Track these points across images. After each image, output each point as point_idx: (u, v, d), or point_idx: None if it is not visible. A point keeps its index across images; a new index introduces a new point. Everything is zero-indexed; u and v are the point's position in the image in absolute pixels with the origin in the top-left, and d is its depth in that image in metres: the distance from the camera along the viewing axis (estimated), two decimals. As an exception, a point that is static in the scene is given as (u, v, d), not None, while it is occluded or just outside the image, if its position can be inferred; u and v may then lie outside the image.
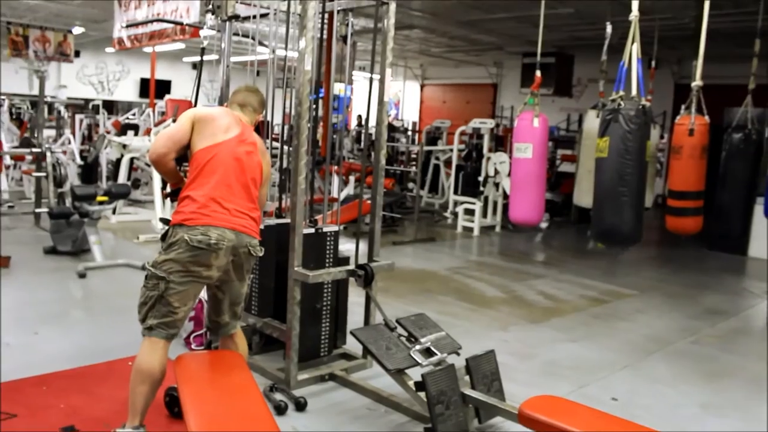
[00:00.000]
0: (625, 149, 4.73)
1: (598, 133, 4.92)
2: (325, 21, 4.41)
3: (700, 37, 5.03)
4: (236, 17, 4.24)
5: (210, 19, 4.17)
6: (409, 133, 16.92)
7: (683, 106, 5.42)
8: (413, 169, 12.66)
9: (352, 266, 3.99)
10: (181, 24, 7.67)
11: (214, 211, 2.91)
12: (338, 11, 4.22)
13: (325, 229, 4.17)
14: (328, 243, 4.20)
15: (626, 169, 4.75)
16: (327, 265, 4.17)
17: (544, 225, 11.02)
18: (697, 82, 5.15)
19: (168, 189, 3.29)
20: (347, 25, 4.33)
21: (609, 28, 5.38)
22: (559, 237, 10.75)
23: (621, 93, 4.82)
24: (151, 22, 8.44)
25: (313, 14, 3.59)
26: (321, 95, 4.75)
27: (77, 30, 15.73)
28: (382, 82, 4.04)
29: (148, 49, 14.89)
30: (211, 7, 4.15)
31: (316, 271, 3.76)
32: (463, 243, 9.61)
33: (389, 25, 3.99)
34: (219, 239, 2.87)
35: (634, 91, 4.84)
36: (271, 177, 3.40)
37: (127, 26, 9.26)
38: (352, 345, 4.27)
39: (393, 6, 3.98)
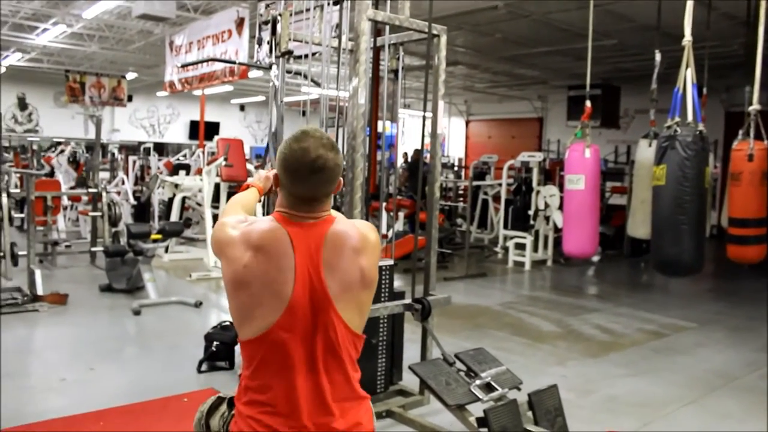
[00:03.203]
0: (683, 176, 4.60)
1: (654, 160, 4.82)
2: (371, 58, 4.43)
3: (755, 62, 4.92)
4: (290, 53, 4.29)
5: (264, 55, 4.23)
6: (456, 168, 16.92)
7: (741, 131, 5.28)
8: (462, 204, 12.62)
9: (408, 300, 3.95)
10: (234, 63, 7.85)
11: None
12: (389, 45, 4.25)
13: (380, 263, 4.13)
14: (383, 277, 4.16)
15: (685, 197, 4.62)
16: (383, 299, 4.12)
17: (596, 258, 10.81)
18: (754, 106, 5.03)
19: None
20: (398, 59, 4.35)
21: (658, 56, 5.30)
22: (612, 270, 10.52)
23: (677, 119, 4.73)
24: (206, 61, 8.69)
25: (365, 48, 3.62)
26: (368, 133, 4.77)
27: (130, 75, 16.33)
28: (434, 114, 4.03)
29: (197, 92, 15.29)
30: (265, 43, 4.22)
31: (373, 306, 3.71)
32: (514, 278, 9.49)
33: (440, 57, 4.00)
34: None
35: (690, 117, 4.74)
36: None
37: (183, 66, 9.55)
38: (408, 381, 4.19)
39: (444, 38, 3.99)
